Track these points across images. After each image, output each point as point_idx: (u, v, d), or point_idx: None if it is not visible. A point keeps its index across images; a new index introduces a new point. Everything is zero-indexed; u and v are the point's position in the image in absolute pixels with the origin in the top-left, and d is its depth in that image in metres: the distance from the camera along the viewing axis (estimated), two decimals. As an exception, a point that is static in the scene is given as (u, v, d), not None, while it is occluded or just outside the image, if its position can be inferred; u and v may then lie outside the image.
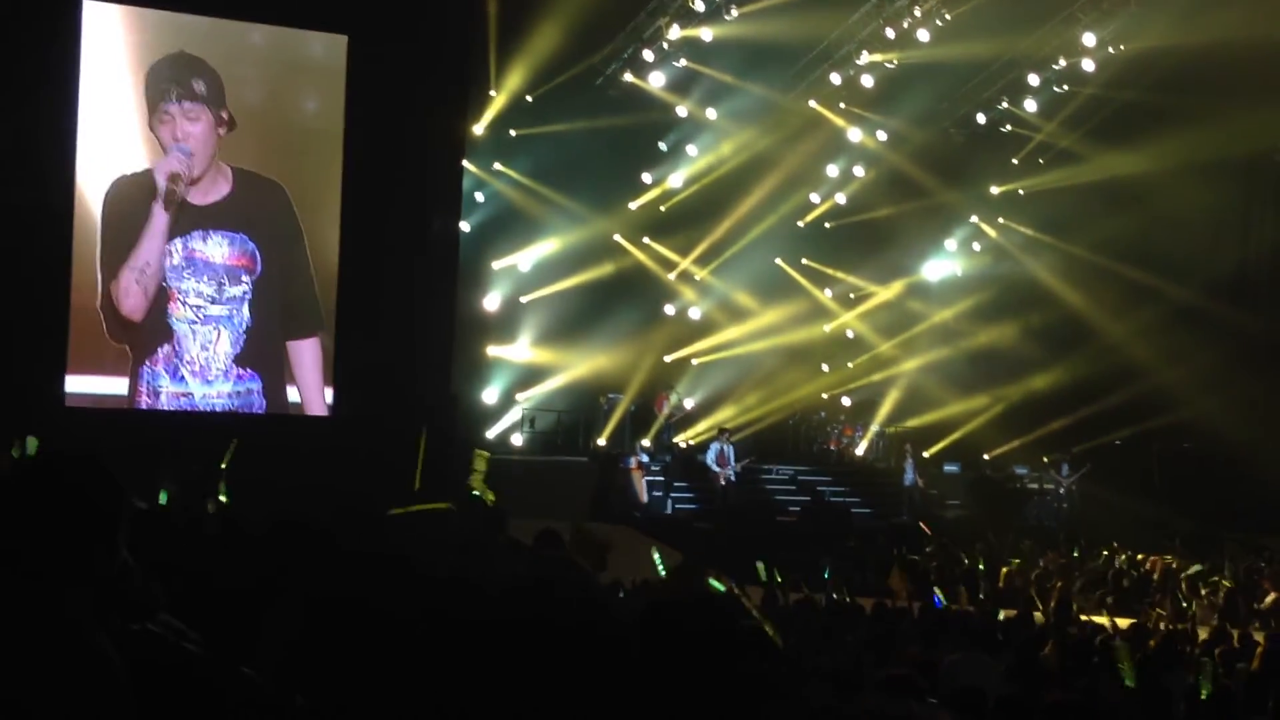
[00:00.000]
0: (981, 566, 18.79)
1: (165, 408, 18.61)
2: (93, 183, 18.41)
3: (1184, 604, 17.24)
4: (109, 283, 18.39)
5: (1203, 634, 13.35)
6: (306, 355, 19.60)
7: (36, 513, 2.98)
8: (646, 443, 26.02)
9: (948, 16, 24.08)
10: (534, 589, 1.92)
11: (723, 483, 25.09)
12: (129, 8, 18.72)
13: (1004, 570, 19.47)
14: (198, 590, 5.16)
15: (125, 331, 18.51)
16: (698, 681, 3.33)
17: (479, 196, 25.86)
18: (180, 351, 18.71)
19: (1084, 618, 14.39)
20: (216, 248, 18.97)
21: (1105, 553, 21.33)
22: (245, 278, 19.14)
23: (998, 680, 8.24)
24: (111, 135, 18.51)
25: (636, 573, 10.28)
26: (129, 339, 18.54)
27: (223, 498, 10.85)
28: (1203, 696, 8.55)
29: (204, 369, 18.84)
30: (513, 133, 25.87)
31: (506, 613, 1.93)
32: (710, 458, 25.24)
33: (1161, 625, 14.55)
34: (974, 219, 30.70)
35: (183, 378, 18.70)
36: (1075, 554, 21.13)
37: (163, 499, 10.84)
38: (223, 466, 11.24)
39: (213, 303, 18.95)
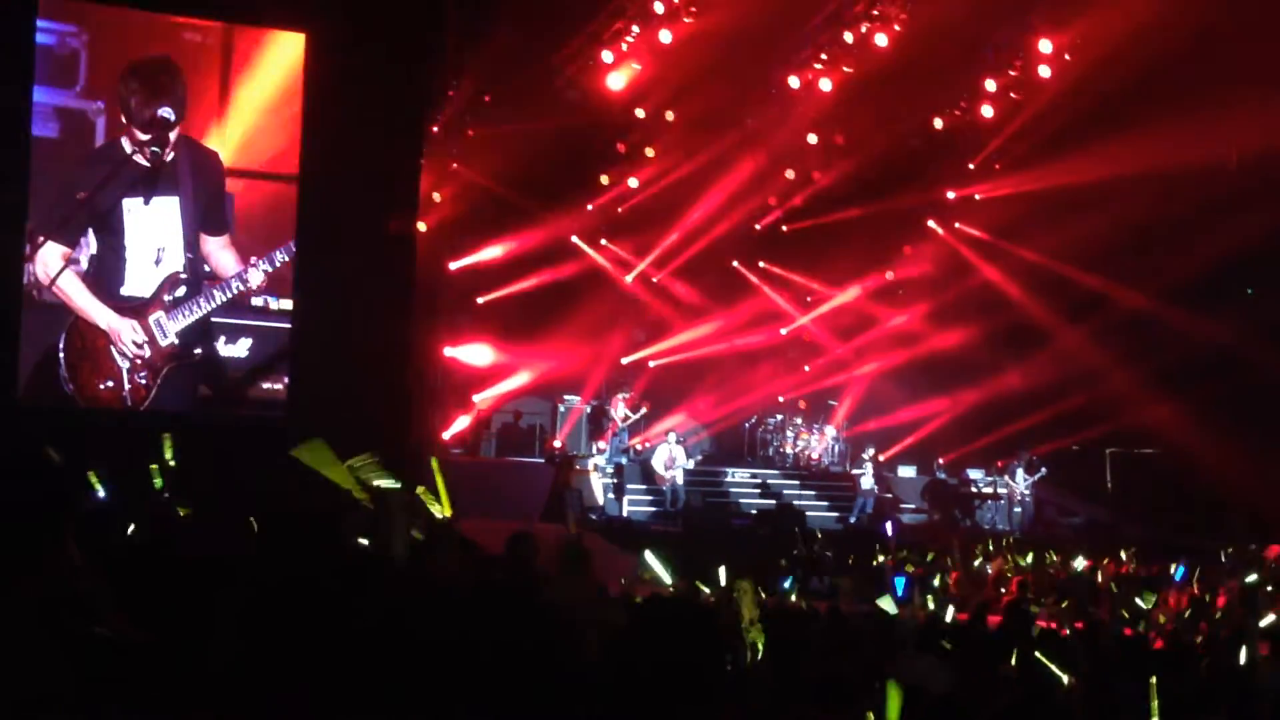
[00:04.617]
0: (939, 580, 18.81)
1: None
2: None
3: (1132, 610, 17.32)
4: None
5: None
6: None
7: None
8: (602, 445, 26.02)
9: (905, 19, 24.22)
10: (482, 589, 1.92)
11: (666, 486, 25.17)
12: (86, 4, 18.58)
13: (955, 574, 19.57)
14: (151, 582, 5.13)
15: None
16: (655, 680, 3.33)
17: (436, 196, 25.76)
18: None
19: (1038, 623, 14.44)
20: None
21: (1058, 557, 21.44)
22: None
23: (947, 683, 8.26)
24: (71, 132, 18.35)
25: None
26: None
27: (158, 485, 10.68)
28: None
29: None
30: (471, 132, 25.79)
31: (457, 610, 1.92)
32: (659, 460, 25.32)
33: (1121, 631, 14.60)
34: (930, 223, 30.79)
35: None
36: (1028, 558, 21.22)
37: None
38: (170, 461, 11.03)
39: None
